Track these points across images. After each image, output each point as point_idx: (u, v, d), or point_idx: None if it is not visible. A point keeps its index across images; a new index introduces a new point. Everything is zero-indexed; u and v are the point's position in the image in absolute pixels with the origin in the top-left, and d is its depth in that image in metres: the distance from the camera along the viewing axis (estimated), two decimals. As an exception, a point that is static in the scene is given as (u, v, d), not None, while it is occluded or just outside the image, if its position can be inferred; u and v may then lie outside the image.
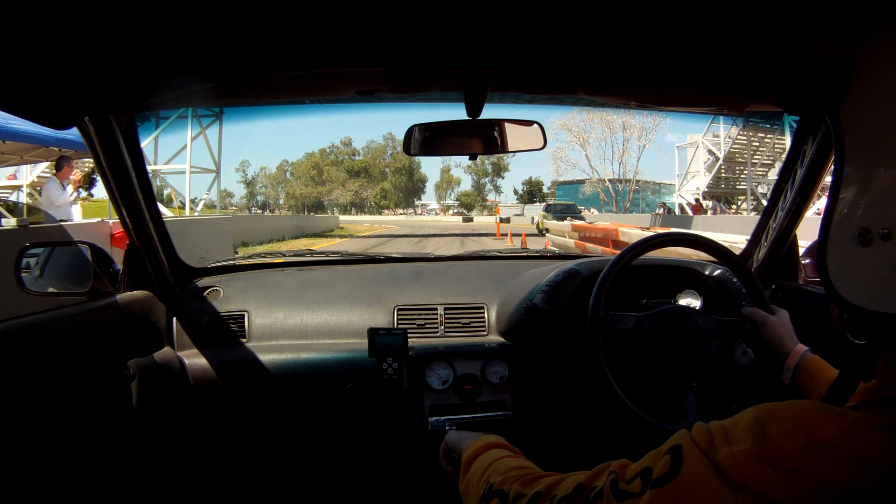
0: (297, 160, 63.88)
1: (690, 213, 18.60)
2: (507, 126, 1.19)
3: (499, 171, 59.06)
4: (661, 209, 24.72)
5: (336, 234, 22.64)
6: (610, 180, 34.71)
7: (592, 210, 30.65)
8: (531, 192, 56.74)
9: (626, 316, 1.07)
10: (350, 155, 61.85)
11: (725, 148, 19.99)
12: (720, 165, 20.26)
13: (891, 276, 0.44)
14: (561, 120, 32.16)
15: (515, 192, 59.77)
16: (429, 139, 1.21)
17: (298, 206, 59.79)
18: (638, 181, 34.83)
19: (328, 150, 62.57)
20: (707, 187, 21.32)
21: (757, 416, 0.46)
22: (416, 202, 62.89)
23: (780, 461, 0.42)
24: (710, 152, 21.18)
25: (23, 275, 1.15)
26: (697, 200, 20.35)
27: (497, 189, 61.17)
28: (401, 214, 58.36)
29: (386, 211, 61.19)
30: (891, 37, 0.47)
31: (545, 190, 55.94)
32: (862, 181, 0.47)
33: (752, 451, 0.43)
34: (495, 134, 1.21)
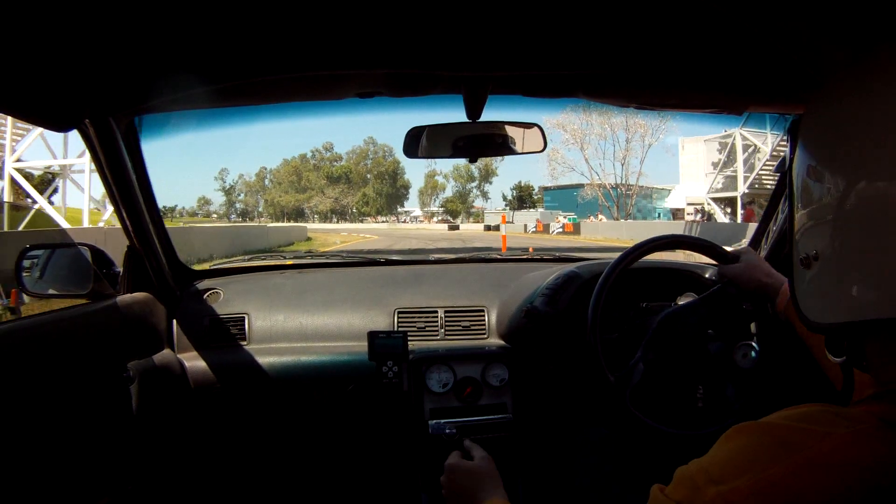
0: (276, 167, 62.10)
1: (726, 220, 16.58)
2: (507, 128, 1.20)
3: (487, 175, 56.73)
4: (698, 214, 22.00)
5: (287, 251, 17.34)
6: (611, 185, 31.35)
7: (601, 217, 28.58)
8: (521, 198, 53.60)
9: (633, 367, 1.05)
10: (332, 161, 59.81)
11: (773, 142, 16.01)
12: (764, 162, 16.94)
13: (827, 289, 0.48)
14: (556, 118, 28.27)
15: (504, 197, 56.65)
16: (430, 142, 1.22)
17: (278, 213, 58.29)
18: (622, 186, 31.55)
19: (309, 156, 60.56)
20: (748, 188, 17.90)
21: (738, 444, 0.46)
22: (399, 209, 60.43)
23: (773, 489, 0.41)
24: (747, 147, 17.88)
25: (23, 276, 1.15)
26: (748, 205, 17.63)
27: (484, 195, 58.56)
28: (382, 222, 55.49)
29: (368, 218, 58.45)
30: (837, 78, 0.49)
31: (534, 196, 52.64)
32: (800, 211, 0.51)
33: (741, 486, 0.42)
34: (495, 136, 1.21)
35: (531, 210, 45.14)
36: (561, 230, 27.65)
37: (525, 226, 32.63)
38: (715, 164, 20.29)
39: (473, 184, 58.38)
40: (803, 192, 0.50)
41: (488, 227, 34.96)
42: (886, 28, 0.46)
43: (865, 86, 0.45)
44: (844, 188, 0.44)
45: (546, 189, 46.44)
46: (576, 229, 26.54)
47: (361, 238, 26.90)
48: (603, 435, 1.20)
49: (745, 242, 1.57)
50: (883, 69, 0.44)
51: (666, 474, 0.51)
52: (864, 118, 0.44)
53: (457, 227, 41.00)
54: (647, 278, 1.33)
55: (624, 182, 31.08)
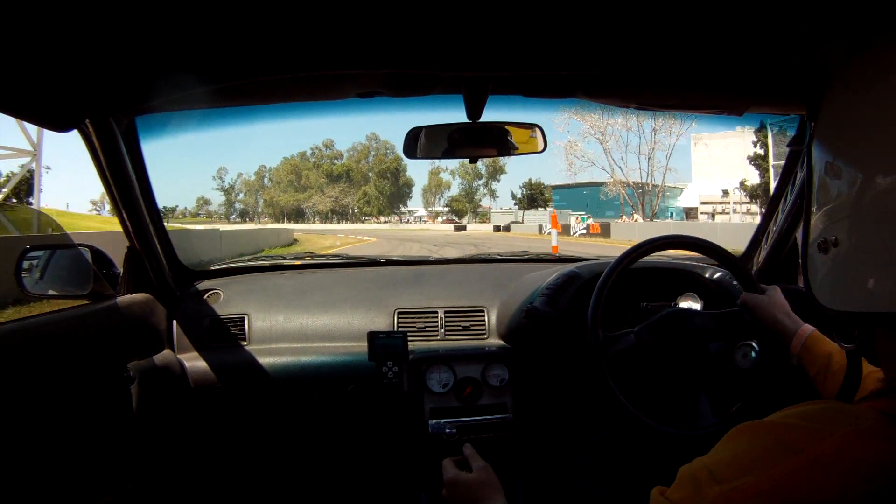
0: (276, 165, 59.85)
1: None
2: (508, 129, 1.20)
3: (494, 173, 53.88)
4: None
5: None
6: (635, 183, 27.08)
7: (636, 217, 25.49)
8: (531, 196, 49.54)
9: (625, 334, 1.07)
10: (332, 158, 57.39)
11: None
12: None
13: (843, 277, 0.47)
14: (574, 107, 24.81)
15: (513, 196, 52.17)
16: (430, 142, 1.22)
17: (277, 214, 56.55)
18: (648, 184, 27.95)
19: (308, 153, 58.08)
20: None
21: (740, 443, 0.46)
22: (402, 209, 57.59)
23: (776, 489, 0.41)
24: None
25: (23, 277, 1.15)
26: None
27: (492, 193, 55.42)
28: (385, 222, 52.92)
29: (370, 218, 55.70)
30: (855, 66, 0.48)
31: (546, 194, 49.15)
32: (819, 196, 0.51)
33: (744, 486, 0.42)
34: (496, 137, 1.21)
35: (539, 210, 42.17)
36: (585, 232, 24.69)
37: (540, 226, 29.13)
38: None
39: (480, 181, 54.92)
40: (824, 181, 0.50)
41: (497, 228, 32.84)
42: (889, 21, 0.46)
43: (881, 72, 0.44)
44: (865, 178, 0.44)
45: (555, 188, 44.26)
46: (604, 231, 23.21)
47: (357, 241, 23.70)
48: (603, 436, 1.20)
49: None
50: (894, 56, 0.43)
51: (666, 475, 0.51)
52: (882, 108, 0.43)
53: (463, 228, 38.27)
54: (647, 278, 1.34)
55: (649, 179, 26.83)
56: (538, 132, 1.20)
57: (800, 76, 0.74)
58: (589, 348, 1.05)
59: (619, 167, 27.40)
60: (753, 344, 1.09)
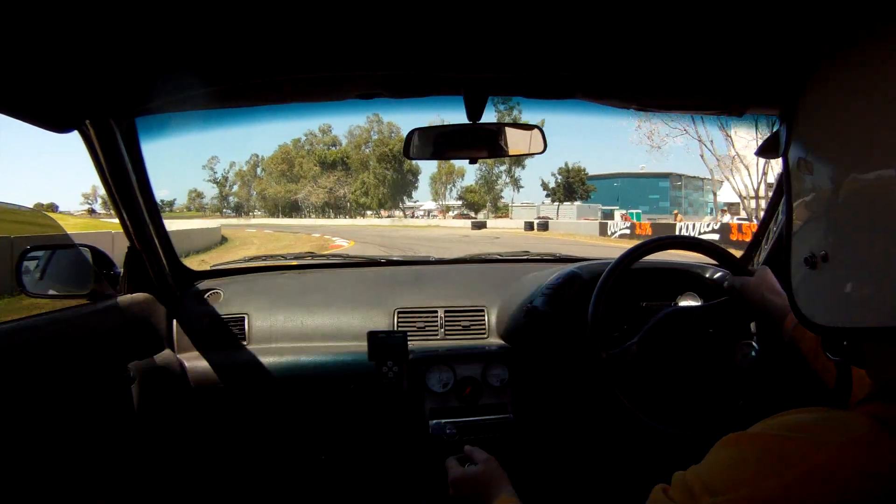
0: (270, 155, 52.91)
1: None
2: (508, 130, 1.20)
3: (519, 159, 38.72)
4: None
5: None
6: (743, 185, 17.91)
7: None
8: (569, 185, 39.53)
9: (624, 349, 1.07)
10: (328, 144, 50.22)
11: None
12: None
13: (832, 294, 0.46)
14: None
15: (545, 185, 41.60)
16: (430, 143, 1.22)
17: (271, 207, 51.32)
18: (676, 175, 21.35)
19: (303, 140, 50.66)
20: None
21: (732, 455, 0.46)
22: (407, 201, 49.51)
23: (768, 502, 0.41)
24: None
25: (24, 277, 1.15)
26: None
27: (515, 182, 45.41)
28: (388, 217, 45.50)
29: (368, 212, 47.58)
30: (828, 81, 0.48)
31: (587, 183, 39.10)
32: (804, 210, 0.51)
33: (737, 499, 0.42)
34: (495, 138, 1.21)
35: (572, 203, 35.11)
36: (717, 236, 14.68)
37: (604, 225, 20.81)
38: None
39: (503, 167, 44.15)
40: (807, 193, 0.49)
41: (529, 226, 26.48)
42: (880, 16, 0.45)
43: (867, 71, 0.43)
44: (851, 188, 0.43)
45: (591, 178, 37.65)
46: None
47: (323, 246, 15.59)
48: (603, 436, 1.20)
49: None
50: (882, 50, 0.42)
51: (665, 475, 0.51)
52: (869, 107, 0.42)
53: (483, 225, 31.17)
54: (647, 278, 1.34)
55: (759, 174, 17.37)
56: (538, 133, 1.20)
57: (798, 76, 0.74)
58: (593, 368, 1.05)
59: (728, 134, 17.23)
60: (753, 343, 1.09)
